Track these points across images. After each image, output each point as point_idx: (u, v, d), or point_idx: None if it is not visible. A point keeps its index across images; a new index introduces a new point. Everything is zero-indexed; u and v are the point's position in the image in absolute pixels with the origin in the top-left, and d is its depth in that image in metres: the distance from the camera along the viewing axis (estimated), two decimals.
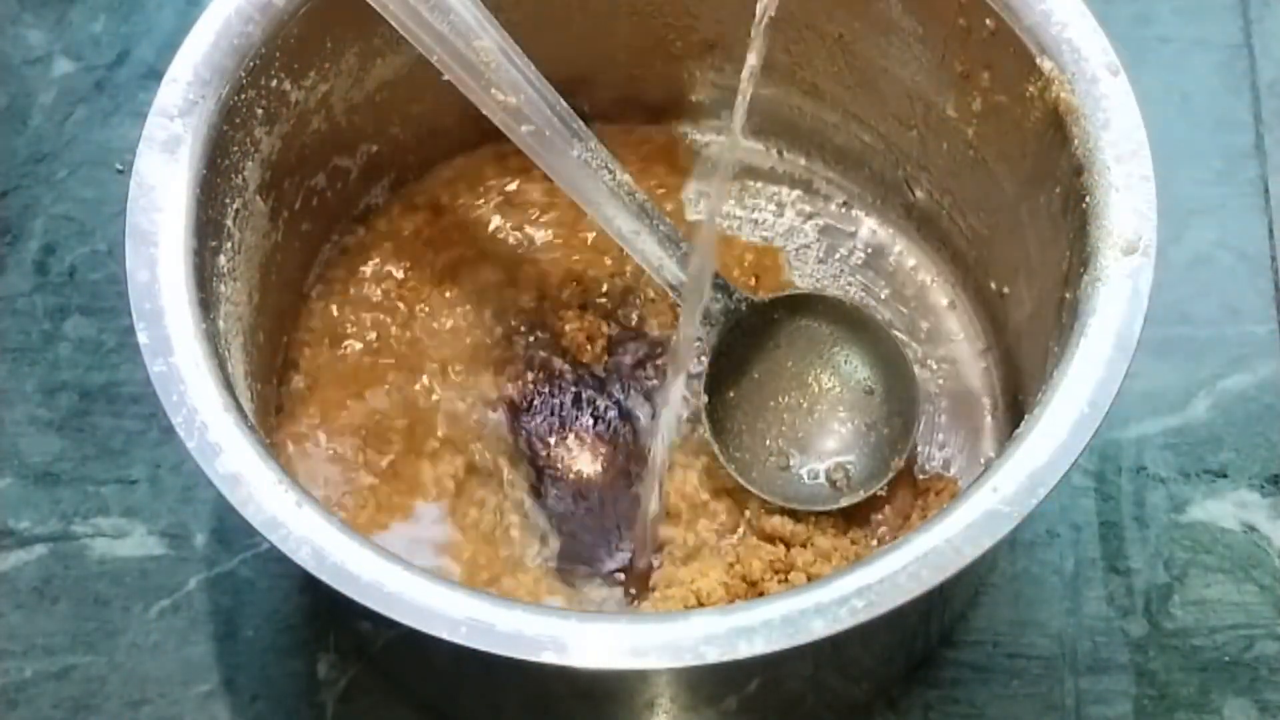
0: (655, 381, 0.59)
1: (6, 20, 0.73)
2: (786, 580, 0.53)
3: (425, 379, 0.59)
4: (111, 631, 0.58)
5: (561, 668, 0.42)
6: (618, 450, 0.58)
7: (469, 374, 0.59)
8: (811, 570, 0.53)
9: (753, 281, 0.61)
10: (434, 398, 0.58)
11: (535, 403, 0.59)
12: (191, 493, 0.60)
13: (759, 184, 0.64)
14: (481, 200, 0.63)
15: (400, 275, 0.61)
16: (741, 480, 0.56)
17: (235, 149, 0.52)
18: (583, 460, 0.58)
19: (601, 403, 0.59)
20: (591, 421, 0.58)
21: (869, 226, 0.63)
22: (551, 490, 0.57)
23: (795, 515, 0.55)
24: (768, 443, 0.57)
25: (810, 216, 0.63)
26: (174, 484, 0.61)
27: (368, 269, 0.61)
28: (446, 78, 0.52)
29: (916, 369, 0.58)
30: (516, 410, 0.58)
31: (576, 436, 0.58)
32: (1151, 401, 0.62)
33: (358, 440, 0.57)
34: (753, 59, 0.51)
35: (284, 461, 0.55)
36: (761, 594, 0.53)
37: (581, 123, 0.54)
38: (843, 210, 0.63)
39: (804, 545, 0.55)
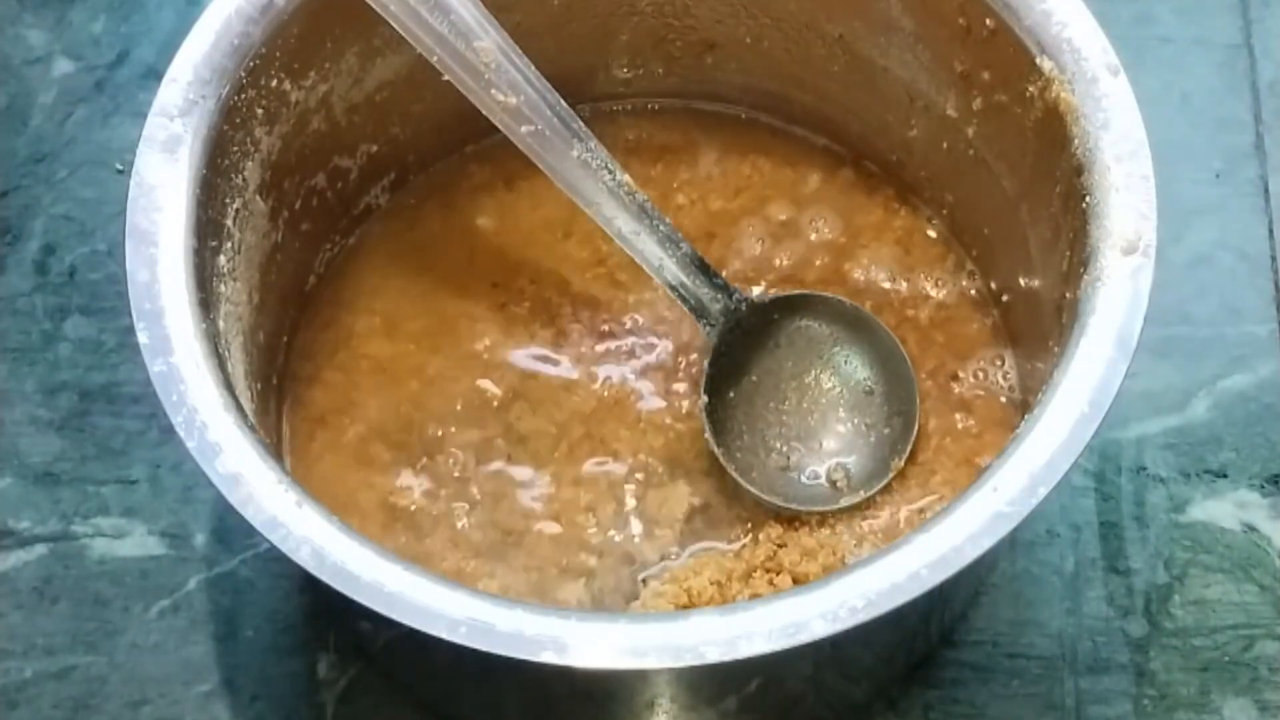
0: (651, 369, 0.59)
1: (6, 20, 0.73)
2: (777, 579, 0.53)
3: (427, 376, 0.59)
4: (111, 631, 0.58)
5: (561, 668, 0.42)
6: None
7: (470, 370, 0.59)
8: (798, 570, 0.53)
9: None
10: (435, 395, 0.58)
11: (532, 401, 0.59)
12: (191, 493, 0.60)
13: None
14: (481, 199, 0.63)
15: (401, 274, 0.61)
16: (741, 480, 0.56)
17: (235, 149, 0.52)
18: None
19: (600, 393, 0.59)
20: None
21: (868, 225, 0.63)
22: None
23: (788, 518, 0.55)
24: (768, 443, 0.57)
25: None
26: (174, 484, 0.61)
27: (368, 268, 0.61)
28: (446, 78, 0.52)
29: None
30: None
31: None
32: (1151, 401, 0.62)
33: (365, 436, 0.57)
34: None
35: (293, 466, 0.56)
36: (754, 593, 0.53)
37: (581, 123, 0.54)
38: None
39: (790, 544, 0.55)
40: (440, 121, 0.61)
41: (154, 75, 0.66)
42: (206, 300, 0.49)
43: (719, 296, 0.56)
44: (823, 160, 0.64)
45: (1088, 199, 0.49)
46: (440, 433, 0.57)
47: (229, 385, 0.47)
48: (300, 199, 0.57)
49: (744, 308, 0.57)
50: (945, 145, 0.59)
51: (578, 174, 0.54)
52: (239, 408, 0.47)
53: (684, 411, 0.58)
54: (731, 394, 0.57)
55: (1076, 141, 0.50)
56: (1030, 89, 0.52)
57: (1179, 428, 0.62)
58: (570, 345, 0.60)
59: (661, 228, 0.55)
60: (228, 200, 0.52)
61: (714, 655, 0.42)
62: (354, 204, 0.61)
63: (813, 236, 0.62)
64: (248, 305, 0.53)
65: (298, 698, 0.56)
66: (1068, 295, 0.49)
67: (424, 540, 0.55)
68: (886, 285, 0.61)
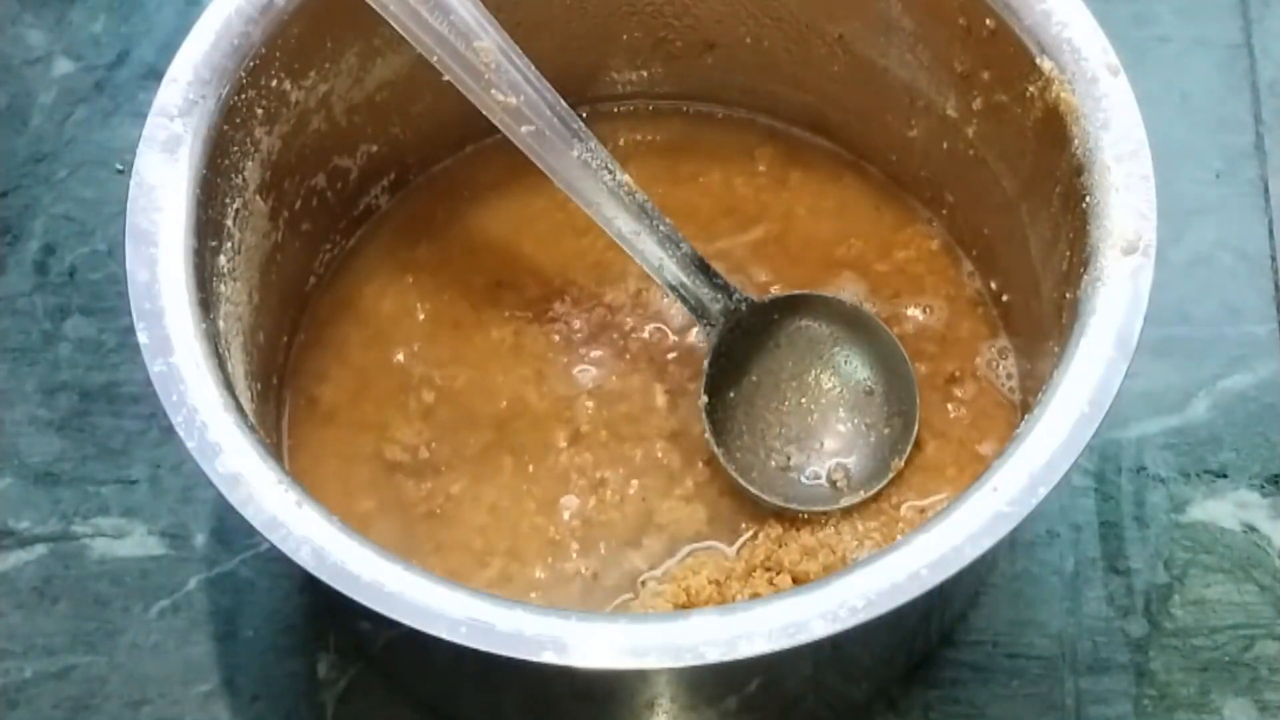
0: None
1: (6, 20, 0.73)
2: (776, 579, 0.53)
3: (427, 375, 0.59)
4: (111, 631, 0.58)
5: (561, 668, 0.42)
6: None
7: (472, 369, 0.59)
8: (798, 569, 0.53)
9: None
10: (436, 395, 0.58)
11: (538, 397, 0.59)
12: (191, 493, 0.60)
13: None
14: (481, 199, 0.63)
15: (401, 275, 0.61)
16: (742, 481, 0.56)
17: (235, 149, 0.52)
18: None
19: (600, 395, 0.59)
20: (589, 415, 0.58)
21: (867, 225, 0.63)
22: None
23: (788, 518, 0.55)
24: (768, 443, 0.57)
25: None
26: (174, 484, 0.61)
27: (368, 269, 0.61)
28: (446, 78, 0.52)
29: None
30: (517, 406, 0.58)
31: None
32: (1151, 401, 0.62)
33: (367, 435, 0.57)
34: None
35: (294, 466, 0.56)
36: (754, 592, 0.53)
37: (581, 123, 0.54)
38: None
39: (790, 544, 0.55)
40: (440, 121, 0.61)
41: (154, 75, 0.66)
42: (206, 300, 0.49)
43: (719, 296, 0.56)
44: (822, 160, 0.64)
45: (1088, 199, 0.49)
46: (441, 432, 0.57)
47: (229, 385, 0.47)
48: (300, 199, 0.57)
49: (744, 308, 0.57)
50: (945, 145, 0.59)
51: (578, 174, 0.54)
52: (239, 408, 0.47)
53: (684, 411, 0.58)
54: (731, 394, 0.57)
55: (1076, 141, 0.50)
56: (1030, 89, 0.52)
57: (1179, 428, 0.62)
58: (570, 343, 0.60)
59: (661, 228, 0.55)
60: (228, 200, 0.52)
61: (714, 655, 0.42)
62: (354, 204, 0.61)
63: (813, 236, 0.62)
64: (248, 305, 0.53)
65: (298, 698, 0.57)
66: (1068, 295, 0.49)
67: (426, 539, 0.55)
68: (886, 285, 0.61)
